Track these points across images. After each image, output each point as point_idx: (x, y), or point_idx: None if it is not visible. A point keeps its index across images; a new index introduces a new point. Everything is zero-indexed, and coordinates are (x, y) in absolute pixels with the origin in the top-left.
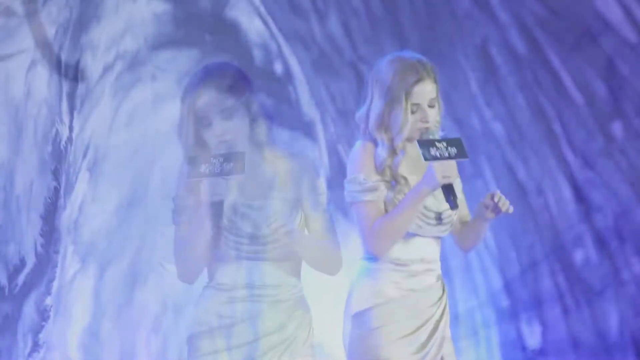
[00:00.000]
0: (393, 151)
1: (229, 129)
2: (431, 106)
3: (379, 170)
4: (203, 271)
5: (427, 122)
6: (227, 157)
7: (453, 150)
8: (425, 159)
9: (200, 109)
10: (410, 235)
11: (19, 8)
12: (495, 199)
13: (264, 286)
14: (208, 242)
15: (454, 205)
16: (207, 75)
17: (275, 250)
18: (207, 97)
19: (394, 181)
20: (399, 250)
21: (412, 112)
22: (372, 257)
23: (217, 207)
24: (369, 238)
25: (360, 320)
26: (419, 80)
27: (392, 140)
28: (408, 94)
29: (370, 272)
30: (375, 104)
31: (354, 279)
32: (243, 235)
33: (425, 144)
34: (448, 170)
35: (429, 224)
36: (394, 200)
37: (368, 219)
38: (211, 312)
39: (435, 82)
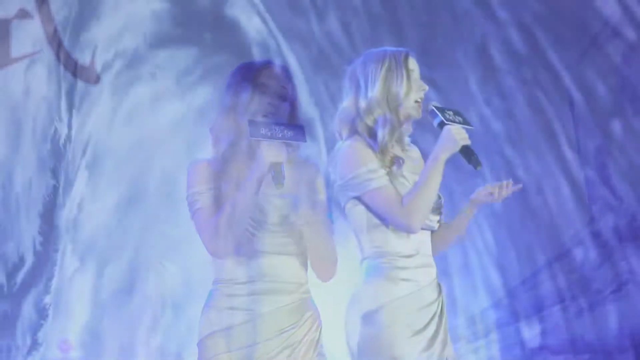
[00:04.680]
0: (397, 122)
1: (280, 108)
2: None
3: (378, 151)
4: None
5: (425, 88)
6: (288, 126)
7: (459, 119)
8: (447, 121)
9: (263, 76)
10: None
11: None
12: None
13: (280, 281)
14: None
15: (477, 164)
16: (271, 62)
17: (293, 244)
18: (272, 71)
19: (394, 162)
20: (401, 244)
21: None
22: (378, 256)
23: (276, 168)
24: (403, 216)
25: (371, 319)
26: (409, 54)
27: (396, 108)
28: (405, 60)
29: (377, 270)
30: (371, 84)
31: (360, 279)
32: (264, 228)
33: (441, 110)
34: (462, 133)
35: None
36: (399, 179)
37: (392, 201)
38: (226, 310)
39: None
